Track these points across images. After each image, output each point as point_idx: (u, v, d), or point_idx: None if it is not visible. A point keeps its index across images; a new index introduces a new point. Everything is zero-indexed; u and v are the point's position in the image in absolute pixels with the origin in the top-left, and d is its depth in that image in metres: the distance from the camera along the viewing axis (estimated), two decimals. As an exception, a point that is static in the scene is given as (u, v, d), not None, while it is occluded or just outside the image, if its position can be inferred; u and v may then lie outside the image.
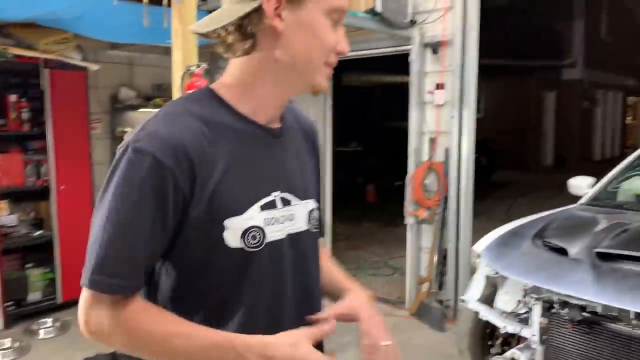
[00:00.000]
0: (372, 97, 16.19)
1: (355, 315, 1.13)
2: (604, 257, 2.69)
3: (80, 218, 4.44)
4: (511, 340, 3.08)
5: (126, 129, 5.61)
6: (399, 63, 4.92)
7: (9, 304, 4.45)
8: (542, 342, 2.73)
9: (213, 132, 0.97)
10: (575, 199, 4.02)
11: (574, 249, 2.83)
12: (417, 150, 4.93)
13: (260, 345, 0.92)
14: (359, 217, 9.39)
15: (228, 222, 0.97)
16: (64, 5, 3.29)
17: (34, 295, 4.67)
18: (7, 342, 4.05)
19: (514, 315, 2.98)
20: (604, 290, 2.45)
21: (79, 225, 4.29)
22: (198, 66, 3.22)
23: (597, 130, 19.44)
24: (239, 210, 0.98)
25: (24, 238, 4.59)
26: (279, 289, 1.04)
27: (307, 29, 0.98)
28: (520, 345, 2.85)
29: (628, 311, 2.37)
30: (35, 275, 4.70)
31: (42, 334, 4.32)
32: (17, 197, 4.62)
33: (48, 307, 4.65)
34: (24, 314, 4.56)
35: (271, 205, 1.02)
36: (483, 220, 6.03)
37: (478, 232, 3.91)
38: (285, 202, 1.05)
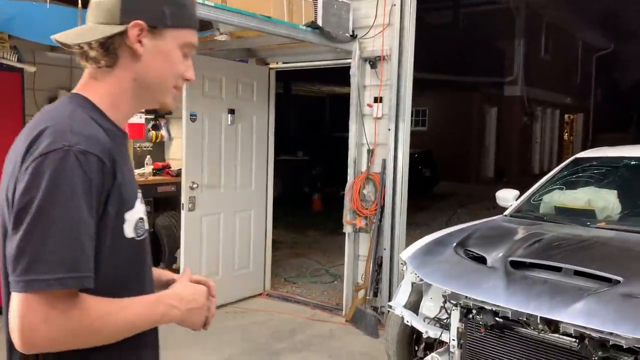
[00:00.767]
0: (319, 107, 16.39)
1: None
2: (517, 265, 2.87)
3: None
4: (434, 345, 3.22)
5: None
6: (345, 75, 5.06)
7: None
8: (459, 346, 2.88)
9: (108, 135, 1.09)
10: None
11: (491, 257, 2.99)
12: (356, 160, 5.06)
13: (174, 293, 1.18)
14: (304, 225, 9.49)
15: (127, 215, 1.10)
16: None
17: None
18: None
19: (436, 321, 3.12)
20: (514, 297, 2.61)
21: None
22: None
23: (536, 145, 20.31)
24: (132, 205, 1.12)
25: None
26: (149, 269, 1.26)
27: (162, 57, 1.14)
28: (440, 350, 3.00)
29: (535, 316, 2.54)
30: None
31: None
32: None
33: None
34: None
35: (142, 200, 1.19)
36: (424, 231, 6.22)
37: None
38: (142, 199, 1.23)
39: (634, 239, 3.24)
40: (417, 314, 3.23)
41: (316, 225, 9.44)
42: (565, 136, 22.80)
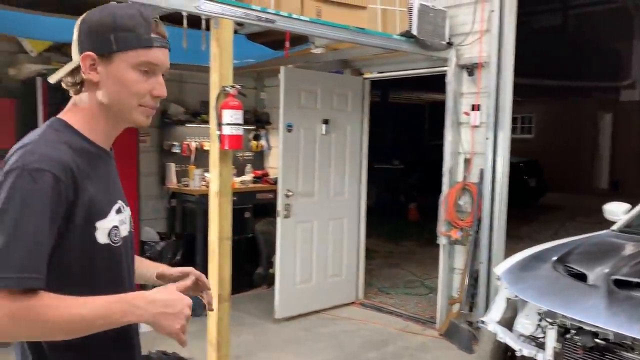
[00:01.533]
0: (417, 114, 16.14)
1: (186, 272, 1.49)
2: (621, 284, 2.67)
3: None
4: (530, 364, 3.07)
5: (174, 143, 5.90)
6: (442, 82, 4.99)
7: None
8: (556, 367, 2.73)
9: (78, 155, 1.23)
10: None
11: (593, 274, 2.81)
12: (452, 170, 4.96)
13: (142, 295, 1.20)
14: (400, 235, 9.40)
15: (98, 224, 1.24)
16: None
17: None
18: None
19: (532, 339, 2.98)
20: (616, 318, 2.43)
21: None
22: (232, 87, 3.41)
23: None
24: (104, 215, 1.27)
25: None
26: (127, 272, 1.37)
27: (115, 79, 1.26)
28: (535, 370, 2.85)
29: (641, 340, 2.35)
30: None
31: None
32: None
33: None
34: None
35: (119, 211, 1.32)
36: (527, 244, 5.89)
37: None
38: (123, 209, 1.35)
39: None
40: (511, 331, 3.10)
41: (412, 236, 9.31)
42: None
